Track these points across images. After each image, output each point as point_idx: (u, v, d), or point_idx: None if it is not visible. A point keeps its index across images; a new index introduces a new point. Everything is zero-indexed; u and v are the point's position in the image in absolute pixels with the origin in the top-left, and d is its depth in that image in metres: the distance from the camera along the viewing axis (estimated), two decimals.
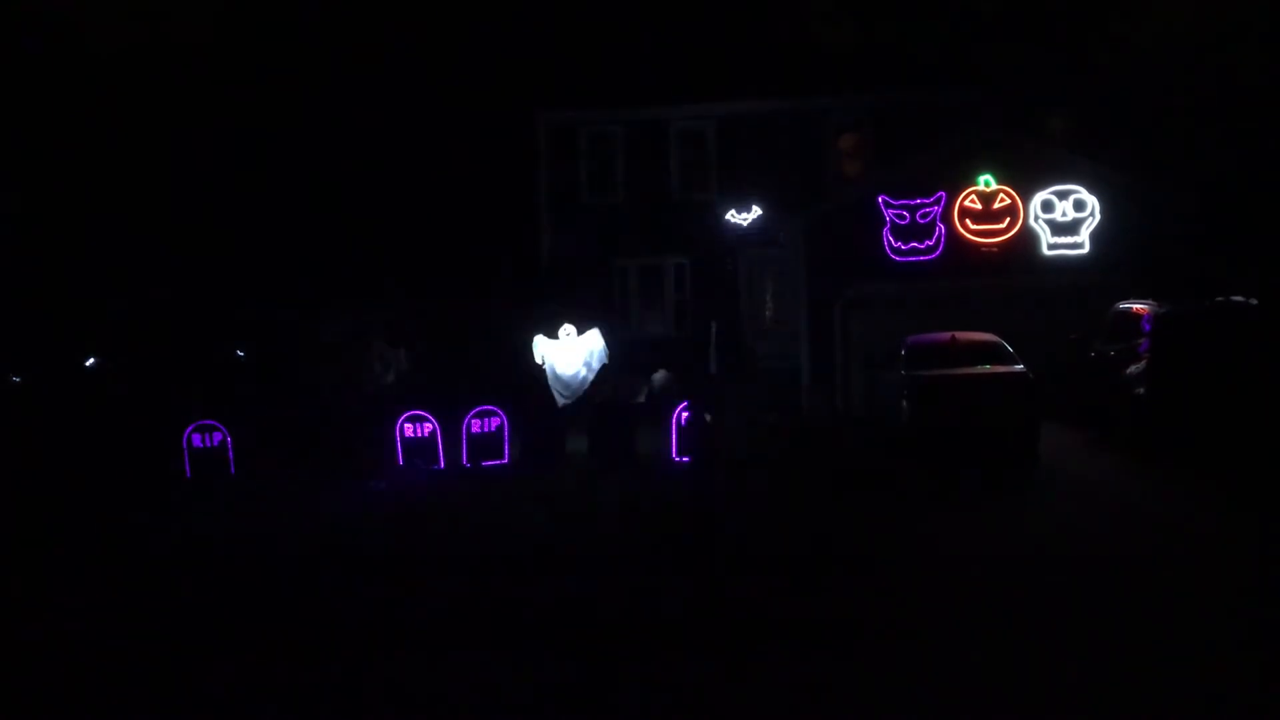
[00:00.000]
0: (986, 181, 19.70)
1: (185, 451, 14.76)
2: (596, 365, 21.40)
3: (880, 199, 19.87)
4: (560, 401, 18.44)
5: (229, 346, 23.62)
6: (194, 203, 25.11)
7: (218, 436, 14.81)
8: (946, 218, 19.73)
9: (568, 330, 21.11)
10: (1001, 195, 19.69)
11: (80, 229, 24.36)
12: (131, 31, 25.17)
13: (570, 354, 21.79)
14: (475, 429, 15.00)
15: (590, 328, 21.45)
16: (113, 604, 8.74)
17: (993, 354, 14.59)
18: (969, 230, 19.69)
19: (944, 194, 19.72)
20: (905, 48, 23.93)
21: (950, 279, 19.44)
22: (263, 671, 6.91)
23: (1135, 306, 14.97)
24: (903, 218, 19.84)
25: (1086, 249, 19.52)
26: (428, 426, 14.89)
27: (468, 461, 14.83)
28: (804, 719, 5.94)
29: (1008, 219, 19.64)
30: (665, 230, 23.68)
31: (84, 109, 24.74)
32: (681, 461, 14.03)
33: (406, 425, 14.89)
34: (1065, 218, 19.60)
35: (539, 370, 20.96)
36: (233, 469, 14.74)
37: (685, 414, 14.13)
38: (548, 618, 7.85)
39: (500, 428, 15.06)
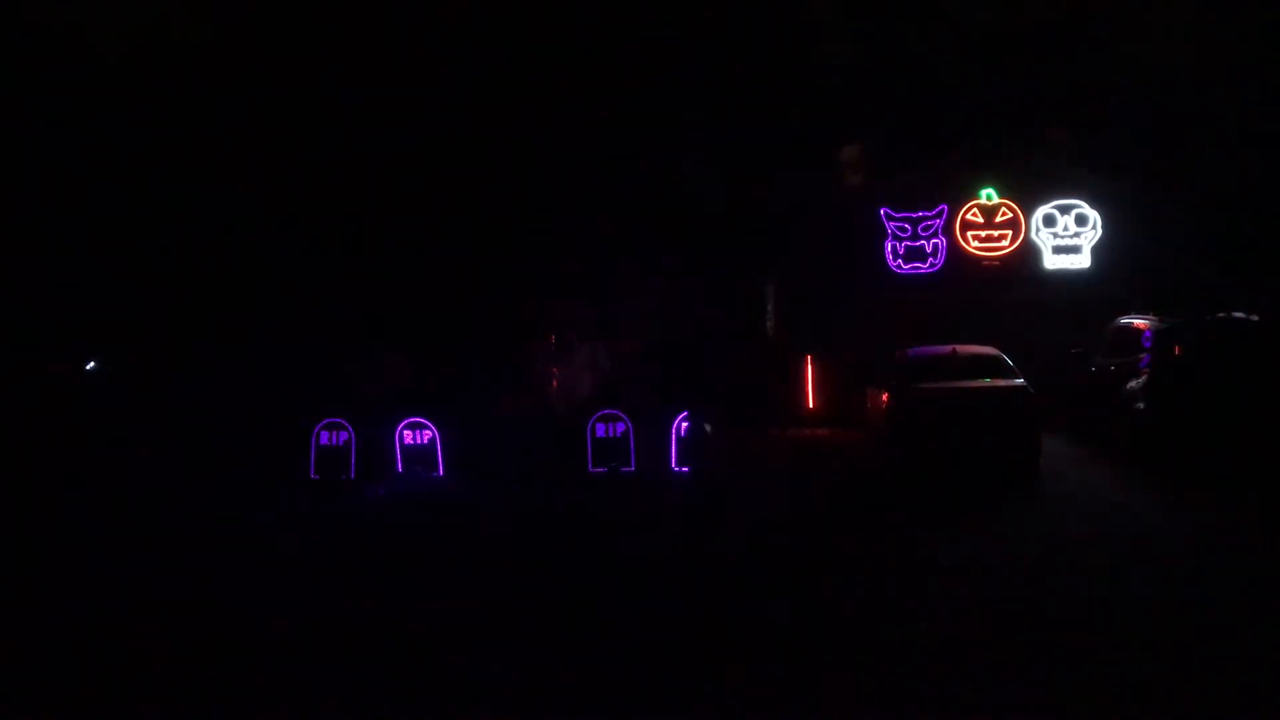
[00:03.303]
0: (989, 195, 19.73)
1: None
2: (598, 376, 21.44)
3: (882, 211, 19.91)
4: (562, 411, 18.42)
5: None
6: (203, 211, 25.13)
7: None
8: (948, 230, 19.76)
9: (570, 341, 21.17)
10: (1003, 209, 19.71)
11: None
12: (140, 32, 25.17)
13: (572, 364, 21.81)
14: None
15: (591, 338, 21.48)
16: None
17: (993, 367, 14.58)
18: (970, 243, 19.70)
19: (946, 207, 19.76)
20: (907, 60, 23.94)
21: (951, 292, 19.47)
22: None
23: (1136, 321, 14.96)
24: (904, 230, 19.87)
25: (1088, 263, 19.53)
26: (426, 434, 14.92)
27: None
28: None
29: (1009, 232, 19.66)
30: (669, 239, 23.66)
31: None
32: (681, 472, 14.02)
33: (406, 433, 14.96)
34: (1067, 231, 19.61)
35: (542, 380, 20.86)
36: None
37: (685, 425, 14.13)
38: (548, 625, 7.85)
39: None
